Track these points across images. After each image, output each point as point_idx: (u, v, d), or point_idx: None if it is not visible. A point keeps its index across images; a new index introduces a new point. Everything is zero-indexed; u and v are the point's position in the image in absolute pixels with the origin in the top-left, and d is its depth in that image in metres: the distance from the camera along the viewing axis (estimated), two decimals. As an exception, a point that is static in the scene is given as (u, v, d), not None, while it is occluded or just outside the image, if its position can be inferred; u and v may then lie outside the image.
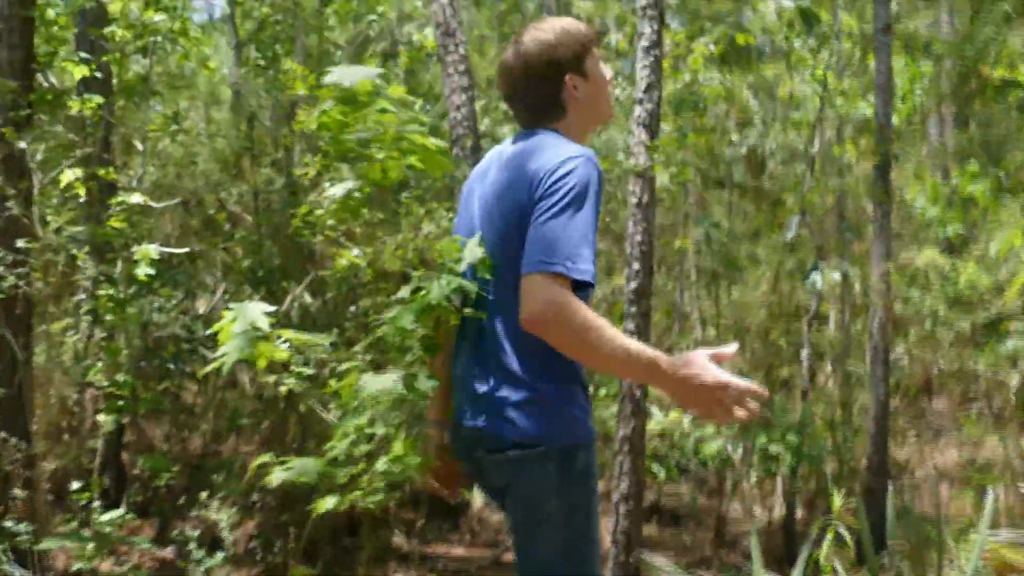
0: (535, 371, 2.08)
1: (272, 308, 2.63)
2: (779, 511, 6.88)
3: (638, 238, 5.14)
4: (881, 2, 6.35)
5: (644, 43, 5.13)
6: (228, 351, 2.41)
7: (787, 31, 7.65)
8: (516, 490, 2.12)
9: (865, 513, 5.80)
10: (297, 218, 4.50)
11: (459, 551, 6.80)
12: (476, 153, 9.30)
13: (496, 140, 9.98)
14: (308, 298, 6.57)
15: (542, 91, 2.22)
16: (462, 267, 2.22)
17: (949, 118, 16.05)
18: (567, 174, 2.00)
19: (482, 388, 2.13)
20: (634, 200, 5.13)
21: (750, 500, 6.70)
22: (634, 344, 1.94)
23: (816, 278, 5.68)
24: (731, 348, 1.99)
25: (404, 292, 2.35)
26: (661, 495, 7.38)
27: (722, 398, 1.89)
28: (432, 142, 3.25)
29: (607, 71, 2.30)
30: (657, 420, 6.08)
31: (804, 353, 6.65)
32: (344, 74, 2.93)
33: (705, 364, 1.91)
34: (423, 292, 2.25)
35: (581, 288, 1.97)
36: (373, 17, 10.40)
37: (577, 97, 2.22)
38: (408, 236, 5.58)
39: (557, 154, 2.06)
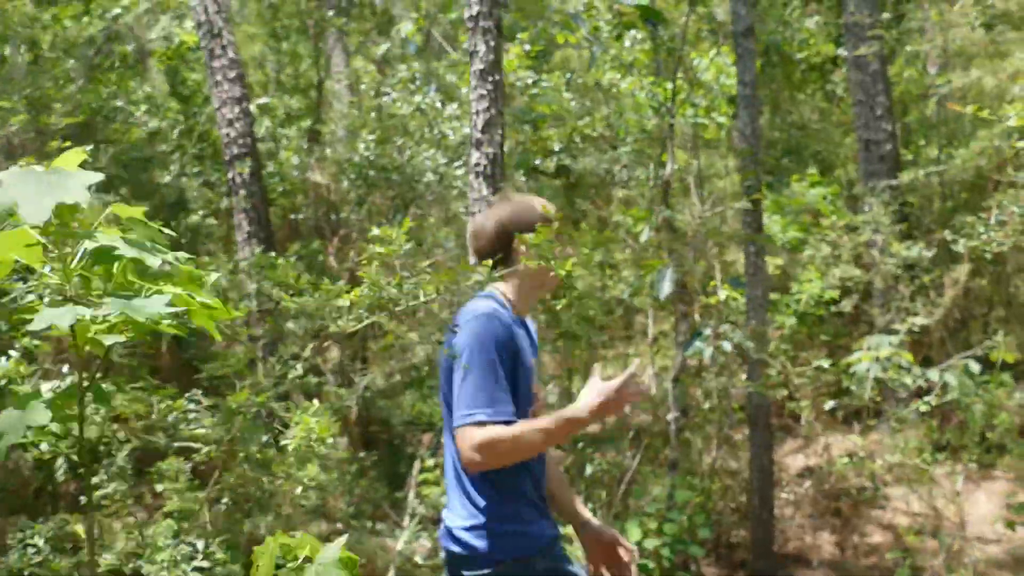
0: (475, 498, 2.51)
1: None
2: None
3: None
4: (740, 2, 5.29)
5: (479, 65, 3.80)
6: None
7: (618, 29, 6.52)
8: None
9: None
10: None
11: None
12: (256, 179, 7.72)
13: (278, 161, 8.37)
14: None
15: (495, 247, 2.67)
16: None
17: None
18: (466, 335, 2.45)
19: (451, 514, 2.58)
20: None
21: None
22: (546, 420, 2.44)
23: (700, 346, 4.61)
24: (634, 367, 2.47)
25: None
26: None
27: (613, 402, 2.41)
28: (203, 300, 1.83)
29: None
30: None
31: (671, 416, 5.60)
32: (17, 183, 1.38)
33: (593, 390, 2.44)
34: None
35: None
36: (117, 10, 8.51)
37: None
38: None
39: (461, 322, 2.51)
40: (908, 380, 8.07)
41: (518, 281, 2.68)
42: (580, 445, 7.34)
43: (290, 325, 7.12)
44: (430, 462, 6.52)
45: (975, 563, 4.04)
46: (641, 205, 6.43)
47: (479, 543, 2.48)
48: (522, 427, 2.38)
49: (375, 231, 2.15)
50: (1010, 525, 4.85)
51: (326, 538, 5.85)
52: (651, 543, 5.16)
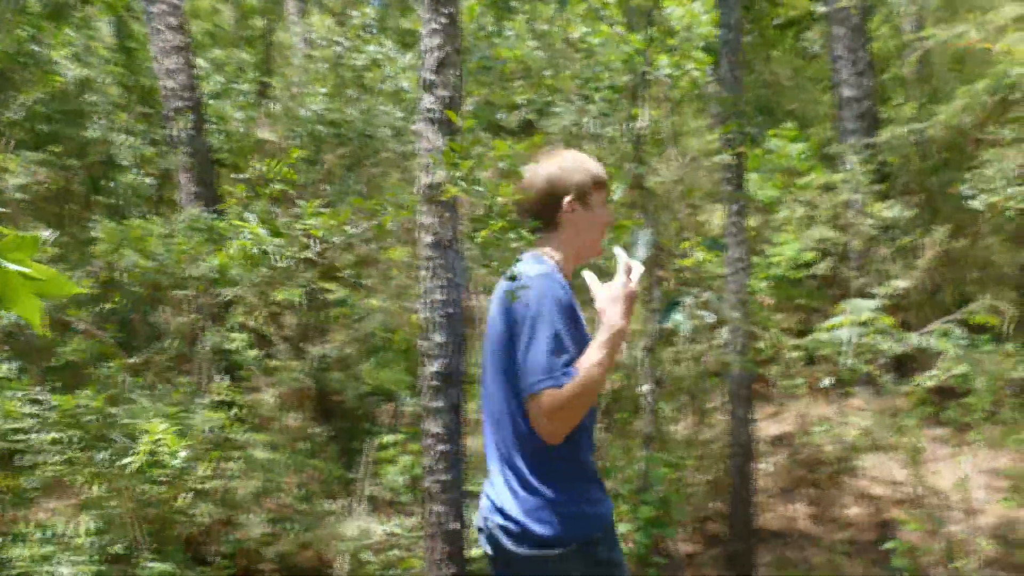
0: (542, 477, 2.34)
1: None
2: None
3: (439, 296, 3.39)
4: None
5: (430, -5, 3.31)
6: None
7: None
8: None
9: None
10: None
11: None
12: (199, 136, 7.16)
13: (222, 117, 7.79)
14: None
15: (541, 207, 2.53)
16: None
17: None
18: (527, 300, 2.32)
19: (501, 491, 2.41)
20: (428, 239, 3.37)
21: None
22: (593, 353, 2.30)
23: (679, 318, 4.17)
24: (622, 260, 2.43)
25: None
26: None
27: (627, 299, 2.37)
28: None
29: (608, 215, 2.63)
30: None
31: (646, 388, 5.19)
32: None
33: (606, 299, 2.37)
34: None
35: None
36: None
37: (573, 221, 2.54)
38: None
39: (522, 283, 2.34)
40: (887, 345, 7.72)
41: (562, 245, 2.55)
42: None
43: (233, 292, 6.62)
44: (388, 438, 6.09)
45: (980, 553, 3.69)
46: (612, 162, 5.97)
47: (539, 527, 2.32)
48: (580, 374, 2.26)
49: (257, 166, 1.69)
50: (1006, 501, 4.51)
51: (273, 521, 5.40)
52: (624, 528, 4.77)
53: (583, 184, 2.54)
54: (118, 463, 3.38)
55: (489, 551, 2.48)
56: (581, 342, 2.36)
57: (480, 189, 2.14)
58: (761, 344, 4.69)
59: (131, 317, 5.16)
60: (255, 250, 2.88)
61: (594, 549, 2.33)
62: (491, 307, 2.52)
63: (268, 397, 6.98)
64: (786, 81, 12.94)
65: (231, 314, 6.80)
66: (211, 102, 8.35)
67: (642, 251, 4.09)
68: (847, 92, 10.10)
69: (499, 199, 2.13)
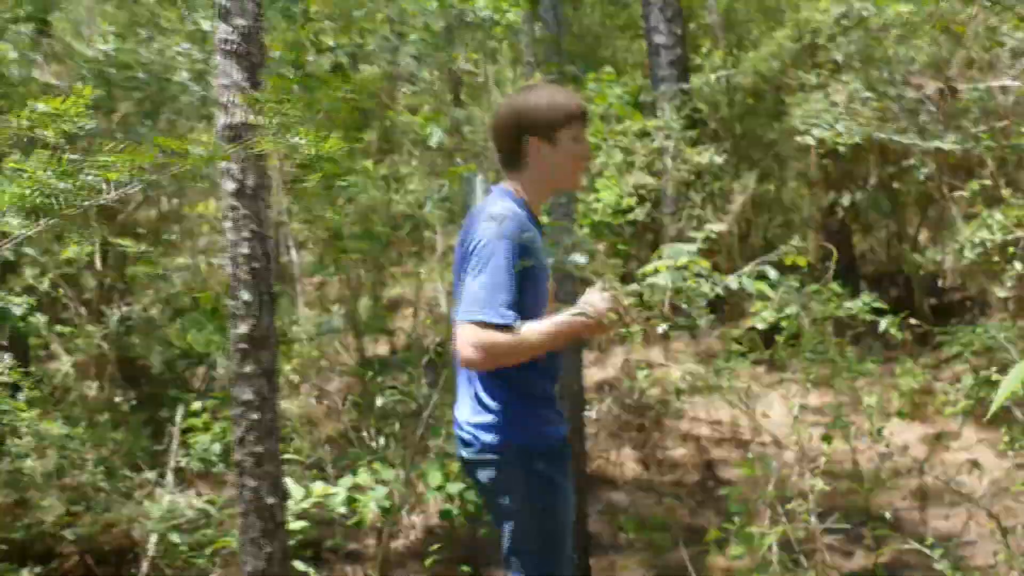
0: (492, 394, 2.51)
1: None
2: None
3: (244, 250, 3.06)
4: None
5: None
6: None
7: None
8: (487, 488, 2.58)
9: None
10: None
11: None
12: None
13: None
14: None
15: (507, 145, 2.57)
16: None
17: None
18: (484, 234, 2.42)
19: (462, 404, 2.61)
20: (231, 186, 3.03)
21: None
22: (546, 324, 2.44)
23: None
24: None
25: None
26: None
27: (598, 315, 2.43)
28: None
29: (584, 149, 2.59)
30: (296, 499, 4.12)
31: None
32: None
33: (596, 299, 2.46)
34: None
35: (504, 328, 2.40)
36: None
37: (540, 159, 2.54)
38: None
39: (484, 216, 2.47)
40: (706, 288, 7.82)
41: (531, 183, 2.58)
42: (370, 374, 6.71)
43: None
44: (197, 405, 5.67)
45: (812, 493, 3.74)
46: (431, 106, 5.72)
47: (485, 435, 2.52)
48: (523, 332, 2.39)
49: (41, 107, 1.39)
50: (827, 439, 4.64)
51: (72, 501, 4.92)
52: (455, 487, 4.60)
53: (551, 121, 2.50)
54: None
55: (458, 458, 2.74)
56: (535, 285, 2.48)
57: (300, 140, 1.85)
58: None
59: None
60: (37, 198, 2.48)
61: (532, 461, 2.50)
62: (460, 232, 2.63)
63: (62, 366, 6.41)
64: (598, 29, 12.96)
65: (16, 276, 6.18)
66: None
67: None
68: (658, 39, 10.18)
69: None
